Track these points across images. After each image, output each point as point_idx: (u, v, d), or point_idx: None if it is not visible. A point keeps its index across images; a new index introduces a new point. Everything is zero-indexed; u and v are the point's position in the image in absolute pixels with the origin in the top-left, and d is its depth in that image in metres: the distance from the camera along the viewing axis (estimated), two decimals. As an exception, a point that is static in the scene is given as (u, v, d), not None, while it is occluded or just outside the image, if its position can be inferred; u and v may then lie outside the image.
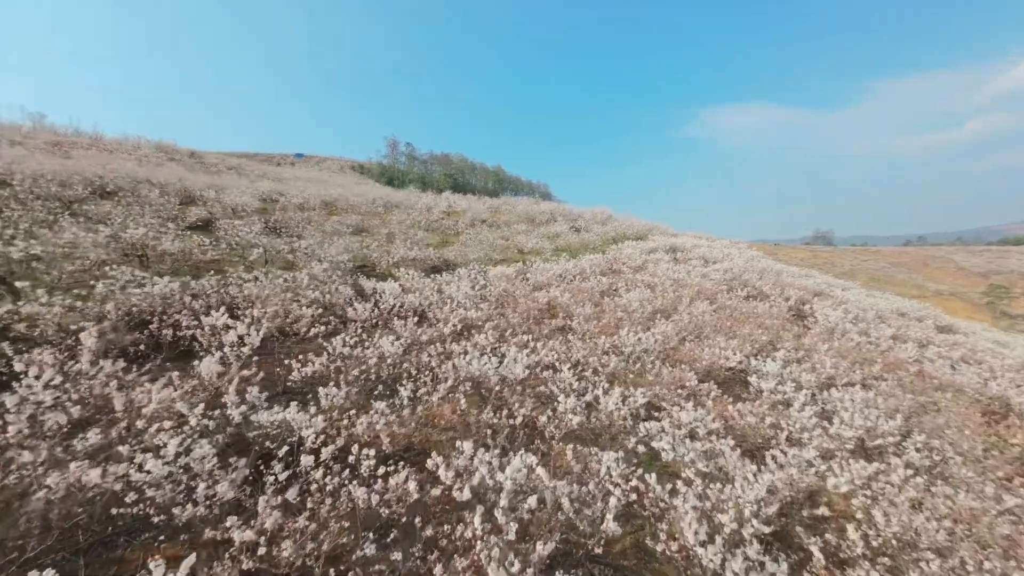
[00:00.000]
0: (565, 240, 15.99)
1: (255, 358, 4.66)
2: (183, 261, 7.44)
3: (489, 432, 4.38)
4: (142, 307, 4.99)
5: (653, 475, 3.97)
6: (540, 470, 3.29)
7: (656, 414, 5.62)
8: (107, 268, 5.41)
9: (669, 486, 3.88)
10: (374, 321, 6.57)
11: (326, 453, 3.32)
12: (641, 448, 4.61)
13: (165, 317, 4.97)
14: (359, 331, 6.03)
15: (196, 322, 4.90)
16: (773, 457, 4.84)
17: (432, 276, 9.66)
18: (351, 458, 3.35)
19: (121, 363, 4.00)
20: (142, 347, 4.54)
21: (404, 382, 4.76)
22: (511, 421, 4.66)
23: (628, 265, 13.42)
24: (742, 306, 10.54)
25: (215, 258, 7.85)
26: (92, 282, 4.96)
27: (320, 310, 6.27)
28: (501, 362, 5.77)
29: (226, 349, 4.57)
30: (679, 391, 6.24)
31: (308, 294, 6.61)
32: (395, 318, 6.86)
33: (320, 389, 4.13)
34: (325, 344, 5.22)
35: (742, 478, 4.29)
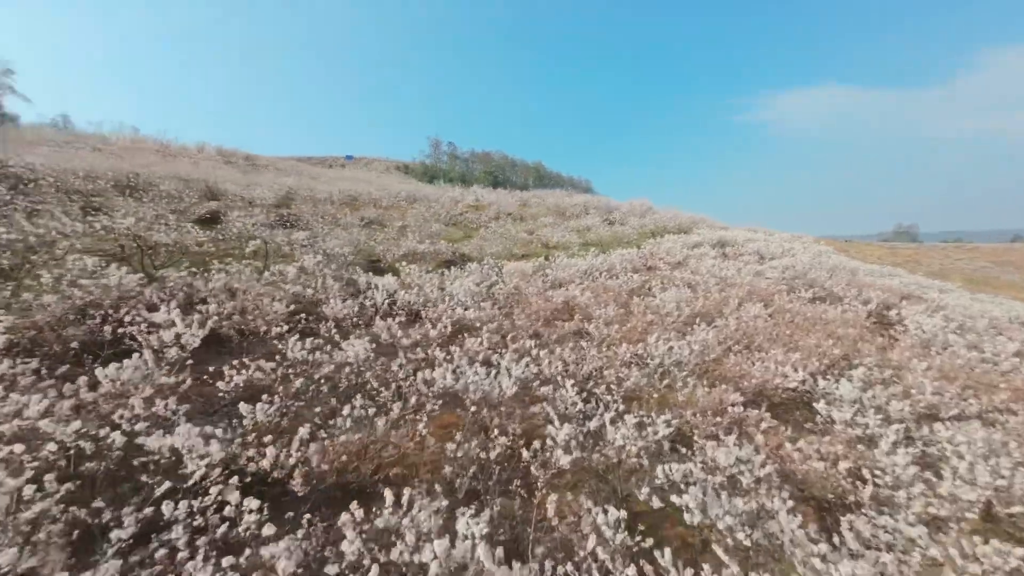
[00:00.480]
0: (596, 234, 14.60)
1: (189, 361, 4.01)
2: (179, 253, 7.14)
3: (450, 471, 3.38)
4: (92, 300, 4.51)
5: (667, 551, 2.78)
6: (482, 548, 2.24)
7: (684, 450, 4.33)
8: (71, 257, 5.02)
9: (690, 573, 2.66)
10: (355, 320, 5.81)
11: (214, 492, 2.50)
12: (656, 502, 3.39)
13: (112, 312, 4.44)
14: (332, 331, 5.28)
15: (140, 318, 4.32)
16: (852, 526, 3.43)
17: (440, 271, 8.83)
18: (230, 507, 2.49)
19: (30, 364, 3.45)
20: (73, 345, 4.00)
21: (358, 398, 3.88)
22: (485, 454, 3.64)
23: (665, 261, 11.83)
24: (806, 310, 8.71)
25: (210, 250, 7.53)
26: (41, 272, 4.56)
27: (292, 306, 5.61)
28: (491, 373, 4.75)
29: (168, 351, 3.95)
30: (717, 419, 4.88)
31: (287, 288, 6.00)
32: (383, 317, 6.06)
33: (242, 405, 3.35)
34: (282, 346, 4.48)
35: (803, 562, 2.96)
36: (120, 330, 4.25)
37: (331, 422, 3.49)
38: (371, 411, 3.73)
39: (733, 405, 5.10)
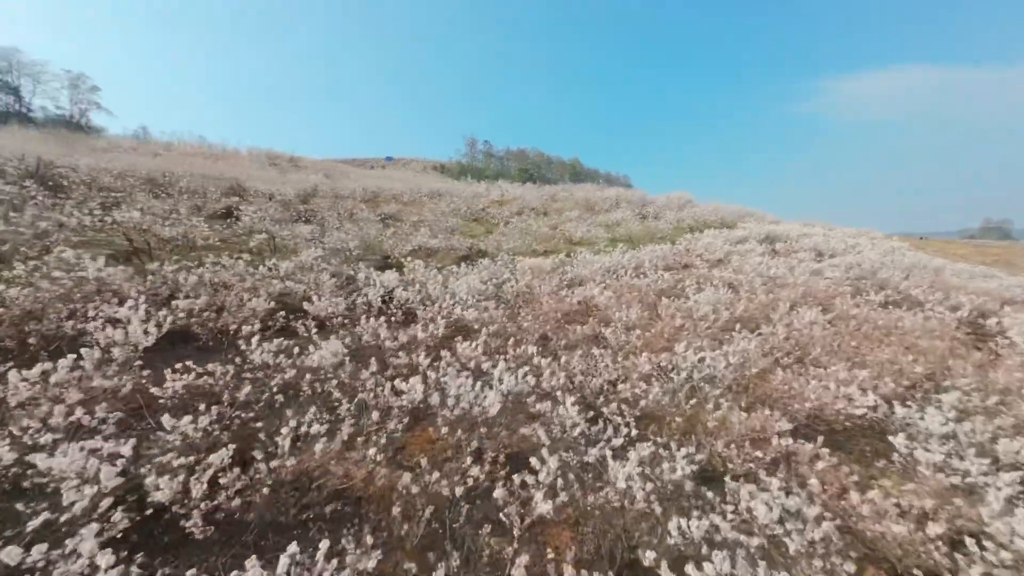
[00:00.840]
0: (626, 229, 13.48)
1: (138, 362, 3.64)
2: (185, 247, 7.05)
3: (400, 512, 2.73)
4: (63, 294, 4.29)
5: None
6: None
7: (711, 494, 3.42)
8: (56, 249, 4.88)
9: None
10: (342, 319, 5.33)
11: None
12: (666, 573, 2.55)
13: (78, 307, 4.19)
14: (312, 331, 4.82)
15: (103, 313, 4.02)
16: (955, 629, 2.41)
17: (451, 267, 8.26)
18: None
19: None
20: (30, 341, 3.75)
21: (312, 411, 3.33)
22: (451, 490, 2.95)
23: (703, 258, 10.57)
24: (877, 316, 7.28)
25: (216, 244, 7.40)
26: (17, 264, 4.41)
27: (275, 303, 5.21)
28: (478, 384, 4.06)
29: (115, 350, 3.61)
30: (758, 452, 3.89)
31: (275, 284, 5.63)
32: (375, 316, 5.55)
33: (165, 417, 2.88)
34: (245, 347, 4.05)
35: None
36: (80, 326, 3.97)
37: (276, 440, 2.94)
38: (322, 428, 3.16)
39: (779, 435, 4.08)
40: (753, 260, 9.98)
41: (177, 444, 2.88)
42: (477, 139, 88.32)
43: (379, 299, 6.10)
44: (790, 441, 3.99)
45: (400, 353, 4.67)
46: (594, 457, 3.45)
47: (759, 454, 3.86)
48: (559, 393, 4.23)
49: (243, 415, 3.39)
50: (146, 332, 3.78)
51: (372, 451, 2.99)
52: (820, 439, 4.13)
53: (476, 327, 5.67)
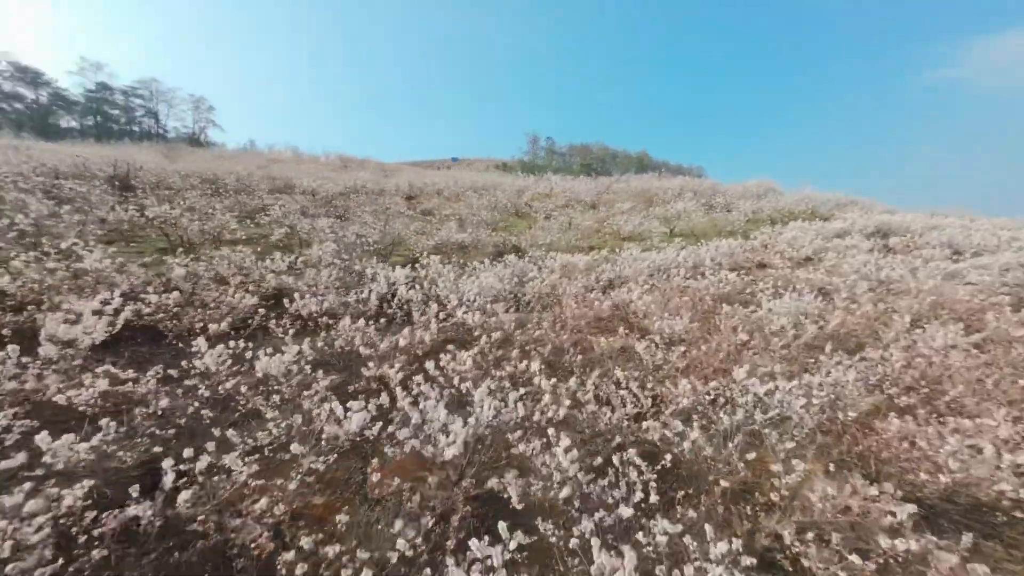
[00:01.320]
0: (687, 222, 11.63)
1: (77, 362, 3.32)
2: (217, 241, 7.15)
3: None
4: (52, 285, 4.23)
5: None
6: None
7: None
8: (65, 242, 4.93)
9: None
10: (326, 318, 4.78)
11: None
12: None
13: (63, 299, 4.07)
14: (288, 332, 4.31)
15: (67, 307, 3.82)
16: None
17: (469, 264, 7.49)
18: None
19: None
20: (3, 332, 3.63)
21: (228, 432, 2.71)
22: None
23: (786, 255, 8.56)
24: (1059, 341, 5.01)
25: (241, 238, 7.42)
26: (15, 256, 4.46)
27: (257, 300, 4.81)
28: (445, 410, 3.19)
29: (69, 350, 3.34)
30: (854, 558, 2.49)
31: (269, 279, 5.28)
32: (363, 317, 4.94)
33: (40, 436, 2.41)
34: (197, 349, 3.59)
35: None
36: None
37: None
38: (230, 459, 2.51)
39: (896, 524, 2.62)
40: (856, 259, 7.79)
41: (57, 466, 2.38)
42: (539, 136, 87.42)
43: (377, 298, 5.49)
44: (910, 535, 2.52)
45: (372, 364, 3.95)
46: (578, 538, 2.37)
47: (855, 559, 2.46)
48: (552, 430, 3.17)
49: (158, 432, 2.88)
50: (88, 330, 3.46)
51: (263, 503, 2.24)
52: (965, 534, 2.58)
53: (476, 334, 4.78)
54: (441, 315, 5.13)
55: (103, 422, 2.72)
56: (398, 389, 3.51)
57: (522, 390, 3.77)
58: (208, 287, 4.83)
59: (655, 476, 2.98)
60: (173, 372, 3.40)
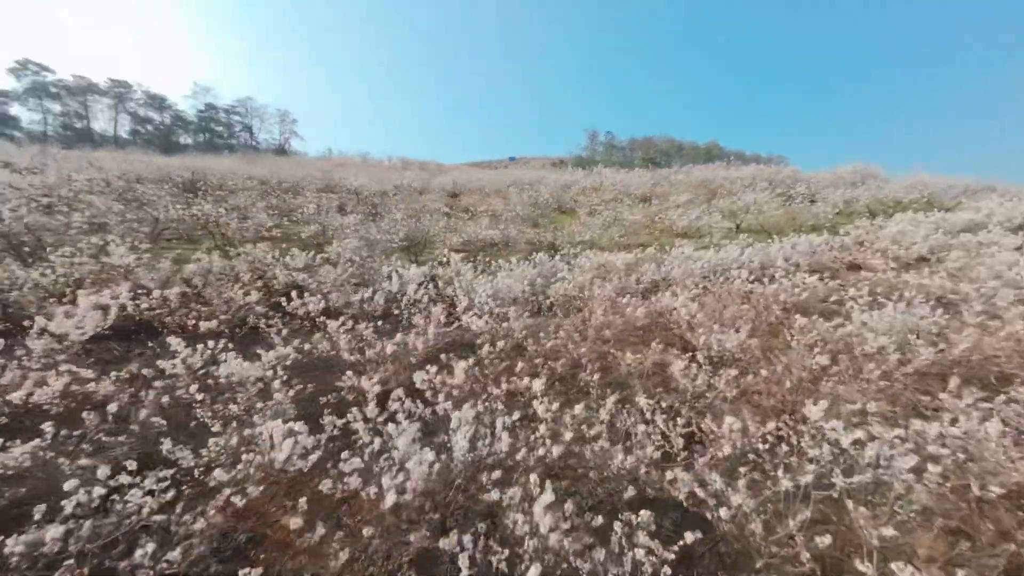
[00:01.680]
0: (759, 215, 9.95)
1: (61, 356, 3.28)
2: (255, 238, 7.38)
3: None
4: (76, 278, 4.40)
5: None
6: None
7: None
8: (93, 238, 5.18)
9: None
10: (322, 320, 4.49)
11: None
12: None
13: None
14: (281, 333, 4.06)
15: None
16: None
17: (497, 262, 6.92)
18: None
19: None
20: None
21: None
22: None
23: (891, 255, 6.81)
24: None
25: (275, 235, 7.58)
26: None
27: (260, 297, 4.65)
28: (406, 438, 2.63)
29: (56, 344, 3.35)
30: None
31: (278, 276, 5.15)
32: (364, 319, 4.60)
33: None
34: (175, 349, 3.42)
35: None
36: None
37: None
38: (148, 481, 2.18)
39: None
40: (996, 259, 5.91)
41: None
42: (598, 132, 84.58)
43: (385, 298, 5.12)
44: None
45: (351, 373, 3.52)
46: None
47: None
48: (535, 475, 2.46)
49: (105, 438, 2.67)
50: (79, 325, 3.42)
51: (149, 549, 1.84)
52: None
53: (481, 342, 4.17)
54: (445, 319, 4.60)
55: (46, 425, 2.54)
56: (371, 406, 3.03)
57: (517, 414, 3.10)
58: (221, 283, 4.79)
59: (673, 557, 2.14)
60: (147, 372, 3.24)
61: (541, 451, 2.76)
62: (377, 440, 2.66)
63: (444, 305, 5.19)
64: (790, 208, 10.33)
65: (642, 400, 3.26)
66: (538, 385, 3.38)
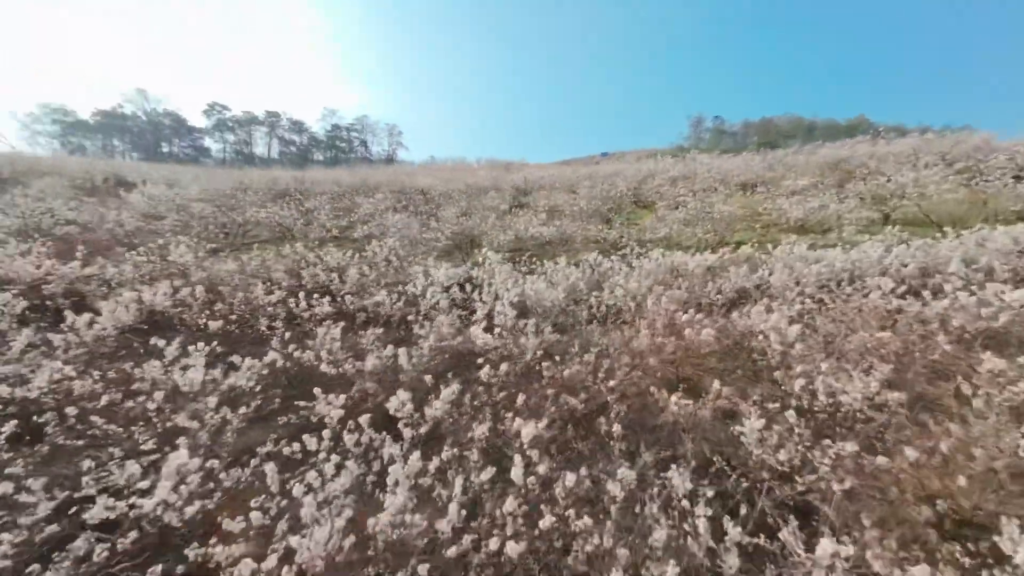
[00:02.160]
0: (921, 200, 7.19)
1: (83, 350, 3.44)
2: (318, 237, 7.77)
3: None
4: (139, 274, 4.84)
5: None
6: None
7: None
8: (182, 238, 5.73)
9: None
10: (327, 322, 4.19)
11: None
12: None
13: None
14: (282, 336, 3.86)
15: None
16: None
17: (546, 262, 6.07)
18: None
19: None
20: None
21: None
22: None
23: None
24: None
25: (335, 236, 7.84)
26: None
27: (280, 299, 4.54)
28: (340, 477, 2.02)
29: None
30: None
31: (304, 275, 5.08)
32: (370, 324, 4.22)
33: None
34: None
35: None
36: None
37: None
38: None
39: None
40: None
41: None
42: (703, 117, 76.16)
43: (404, 302, 4.68)
44: None
45: (319, 391, 3.06)
46: None
47: None
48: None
49: (67, 442, 2.59)
50: (100, 321, 3.58)
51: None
52: None
53: (479, 362, 3.39)
54: (455, 329, 3.93)
55: (10, 424, 2.53)
56: (320, 437, 2.50)
57: (489, 472, 2.27)
58: (250, 283, 4.87)
59: None
60: (138, 372, 3.20)
61: (495, 542, 1.88)
62: (300, 487, 2.10)
63: (464, 312, 4.54)
64: (977, 188, 7.27)
65: (679, 481, 2.12)
66: (531, 430, 2.49)
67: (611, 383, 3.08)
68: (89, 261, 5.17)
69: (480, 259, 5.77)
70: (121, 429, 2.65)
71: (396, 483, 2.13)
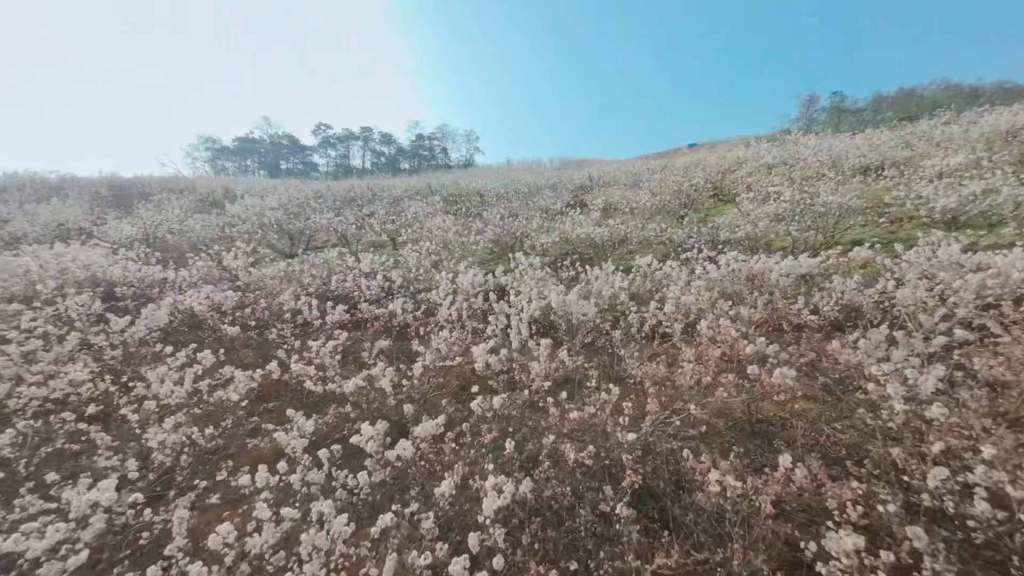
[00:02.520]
0: None
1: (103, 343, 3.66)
2: (374, 240, 7.96)
3: None
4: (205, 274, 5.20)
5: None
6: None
7: None
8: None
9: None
10: (333, 330, 3.99)
11: None
12: None
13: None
14: (290, 343, 3.76)
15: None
16: None
17: (577, 267, 5.31)
18: None
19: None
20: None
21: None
22: None
23: None
24: None
25: (382, 240, 7.92)
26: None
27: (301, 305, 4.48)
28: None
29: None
30: None
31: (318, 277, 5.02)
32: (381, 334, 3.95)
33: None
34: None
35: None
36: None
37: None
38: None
39: None
40: None
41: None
42: (818, 94, 65.46)
43: (422, 310, 4.33)
44: None
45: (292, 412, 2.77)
46: None
47: None
48: None
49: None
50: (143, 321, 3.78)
51: None
52: None
53: (474, 390, 2.83)
54: (455, 347, 3.43)
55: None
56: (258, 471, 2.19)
57: (427, 559, 1.71)
58: (282, 287, 4.94)
59: None
60: (151, 376, 3.27)
61: None
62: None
63: (482, 325, 4.02)
64: None
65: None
66: (497, 503, 1.87)
67: (630, 435, 2.29)
68: (167, 265, 5.78)
69: (517, 263, 5.20)
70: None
71: (311, 553, 1.69)
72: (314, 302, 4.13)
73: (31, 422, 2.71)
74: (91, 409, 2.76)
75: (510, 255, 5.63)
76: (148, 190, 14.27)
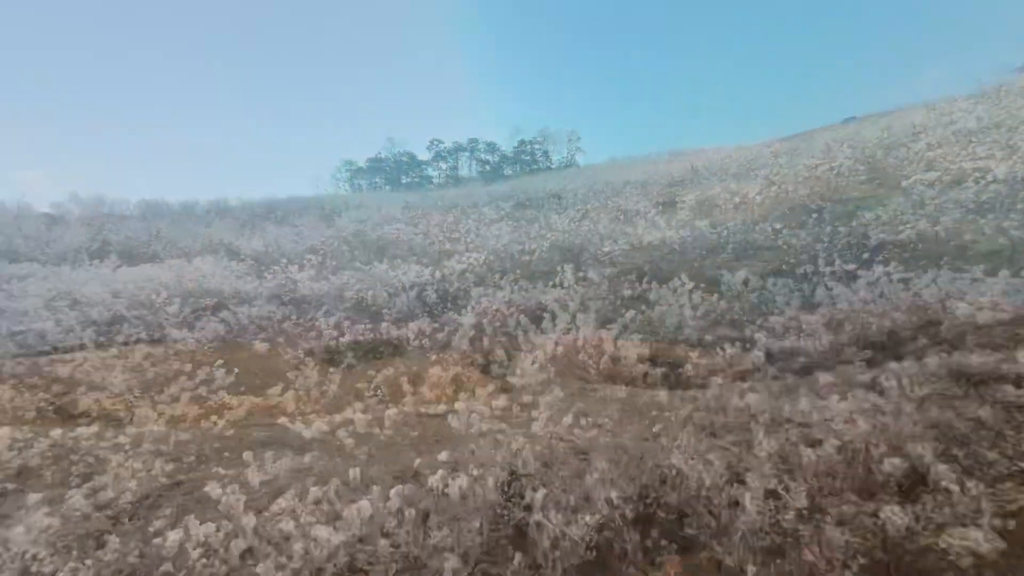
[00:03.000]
0: None
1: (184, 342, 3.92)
2: (441, 249, 7.89)
3: None
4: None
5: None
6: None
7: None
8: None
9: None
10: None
11: None
12: None
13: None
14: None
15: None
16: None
17: (643, 283, 4.14)
18: None
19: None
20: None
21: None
22: None
23: None
24: None
25: (447, 249, 7.70)
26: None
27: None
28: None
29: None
30: None
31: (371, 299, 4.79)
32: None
33: None
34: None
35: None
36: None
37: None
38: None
39: None
40: None
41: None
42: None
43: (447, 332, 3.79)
44: None
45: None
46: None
47: None
48: None
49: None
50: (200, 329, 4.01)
51: None
52: None
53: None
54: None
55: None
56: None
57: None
58: (322, 303, 4.93)
59: None
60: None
61: None
62: None
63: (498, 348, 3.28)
64: None
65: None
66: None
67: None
68: (264, 277, 6.41)
69: (558, 280, 4.31)
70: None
71: None
72: (332, 319, 3.93)
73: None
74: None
75: (559, 267, 4.74)
76: (293, 207, 16.98)
